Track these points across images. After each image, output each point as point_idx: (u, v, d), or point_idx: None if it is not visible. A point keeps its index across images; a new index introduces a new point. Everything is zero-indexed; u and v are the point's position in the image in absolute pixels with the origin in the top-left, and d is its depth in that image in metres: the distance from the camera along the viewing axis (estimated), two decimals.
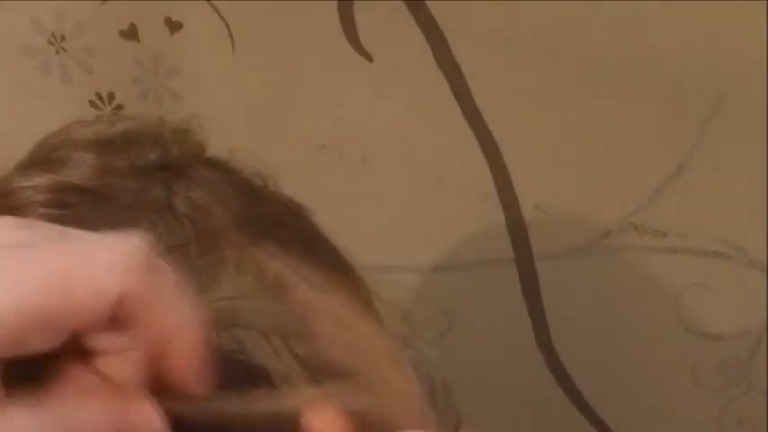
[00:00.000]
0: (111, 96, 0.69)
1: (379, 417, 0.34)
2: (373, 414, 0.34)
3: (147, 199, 0.35)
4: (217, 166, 0.39)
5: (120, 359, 0.26)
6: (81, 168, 0.36)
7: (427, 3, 0.58)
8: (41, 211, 0.34)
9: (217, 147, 0.40)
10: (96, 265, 0.24)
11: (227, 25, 0.63)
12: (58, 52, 0.67)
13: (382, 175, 0.66)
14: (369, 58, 0.62)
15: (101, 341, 0.25)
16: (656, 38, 0.56)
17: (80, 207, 0.34)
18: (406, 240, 0.69)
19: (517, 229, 0.66)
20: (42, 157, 0.37)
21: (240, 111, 0.67)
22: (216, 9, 0.63)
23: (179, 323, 0.26)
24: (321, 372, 0.33)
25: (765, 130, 0.57)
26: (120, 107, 0.69)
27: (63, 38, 0.67)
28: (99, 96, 0.69)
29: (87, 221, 0.33)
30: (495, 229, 0.66)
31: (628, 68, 0.57)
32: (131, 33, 0.66)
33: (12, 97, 0.71)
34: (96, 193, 0.35)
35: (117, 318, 0.25)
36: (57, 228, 0.28)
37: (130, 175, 0.36)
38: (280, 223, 0.38)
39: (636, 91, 0.58)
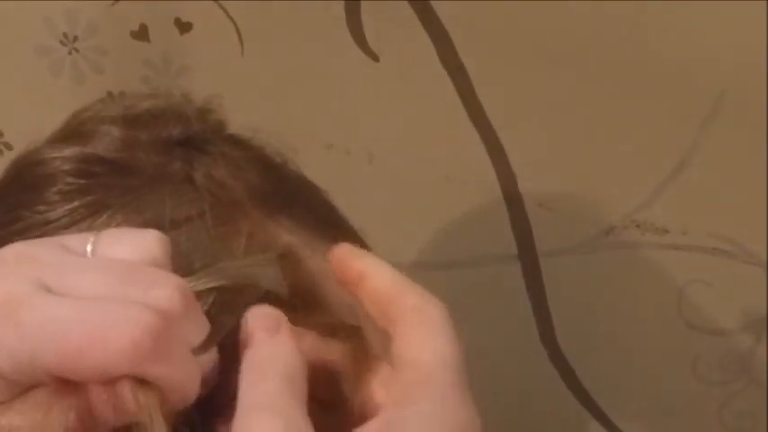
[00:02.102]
0: (122, 96, 0.69)
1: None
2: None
3: (169, 171, 0.37)
4: (238, 142, 0.40)
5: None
6: (106, 141, 0.37)
7: (432, 3, 0.59)
8: (68, 179, 0.36)
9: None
10: (108, 345, 0.26)
11: (235, 26, 0.64)
12: (70, 52, 0.68)
13: (388, 173, 0.67)
14: (375, 58, 0.62)
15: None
16: (657, 38, 0.56)
17: (104, 177, 0.36)
18: (412, 237, 0.69)
19: (521, 226, 0.66)
20: (71, 131, 0.39)
21: (248, 110, 0.67)
22: (225, 10, 0.63)
23: (176, 390, 0.28)
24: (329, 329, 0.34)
25: (765, 129, 0.57)
26: (108, 97, 0.69)
27: (75, 38, 0.67)
28: (110, 96, 0.69)
29: (111, 191, 0.35)
30: (499, 226, 0.66)
31: (630, 68, 0.57)
32: (142, 34, 0.66)
33: (25, 97, 0.71)
34: (120, 164, 0.36)
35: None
36: (76, 260, 0.30)
37: (153, 148, 0.37)
38: (296, 199, 0.39)
39: (637, 90, 0.58)
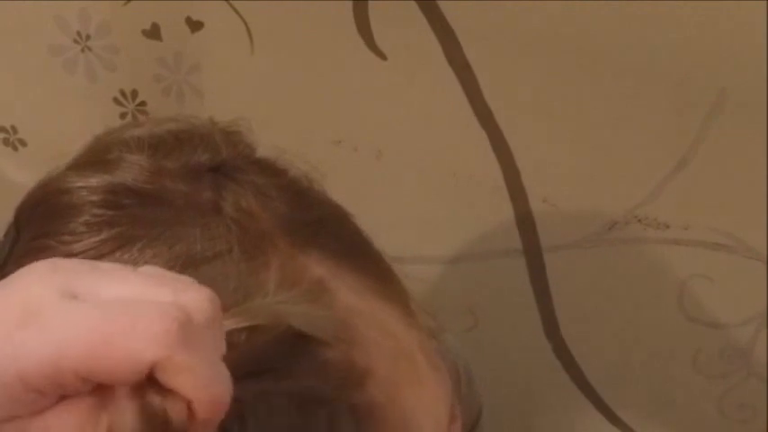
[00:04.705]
0: (135, 93, 0.70)
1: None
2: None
3: (197, 202, 0.35)
4: (265, 168, 0.39)
5: None
6: (133, 170, 0.36)
7: (439, 3, 0.59)
8: (95, 211, 0.35)
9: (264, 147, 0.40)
10: (136, 333, 0.26)
11: (245, 25, 0.64)
12: (83, 51, 0.69)
13: (395, 169, 0.67)
14: (382, 56, 0.62)
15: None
16: (659, 37, 0.56)
17: (132, 208, 0.35)
18: (418, 232, 0.69)
19: (526, 222, 0.66)
20: (96, 158, 0.37)
21: (258, 107, 0.68)
22: (235, 9, 0.64)
23: (206, 389, 0.26)
24: (360, 376, 0.33)
25: (765, 125, 0.57)
26: (143, 104, 0.70)
27: (88, 37, 0.68)
28: (123, 93, 0.70)
29: (139, 223, 0.34)
30: (504, 222, 0.66)
31: (632, 67, 0.58)
32: (154, 32, 0.67)
33: (39, 95, 0.72)
34: (148, 195, 0.35)
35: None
36: (108, 271, 0.29)
37: (181, 176, 0.36)
38: (324, 228, 0.38)
39: (640, 88, 0.58)
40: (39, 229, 0.36)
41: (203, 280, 0.29)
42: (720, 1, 0.54)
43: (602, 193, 0.64)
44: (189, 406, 0.26)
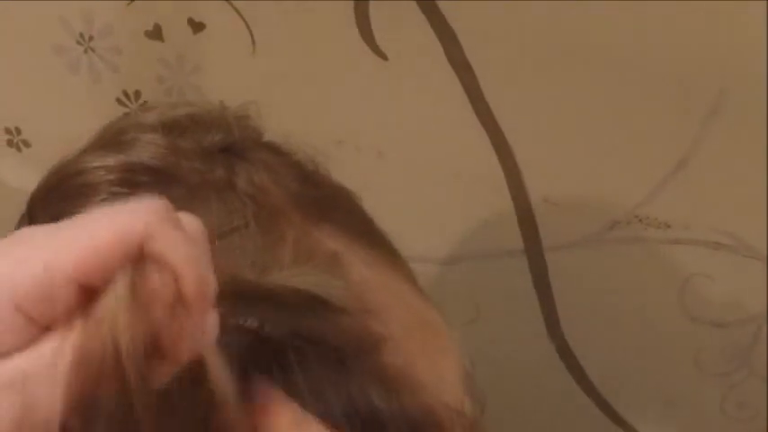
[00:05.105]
0: (138, 94, 0.70)
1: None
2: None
3: (212, 179, 0.36)
4: (274, 149, 0.40)
5: None
6: (149, 149, 0.36)
7: (439, 3, 0.59)
8: (112, 189, 0.35)
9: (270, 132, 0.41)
10: (120, 211, 0.25)
11: (247, 26, 0.64)
12: (86, 52, 0.69)
13: (397, 169, 0.67)
14: (383, 56, 0.62)
15: None
16: (659, 37, 0.56)
17: (148, 186, 0.35)
18: (419, 232, 0.69)
19: (527, 222, 0.67)
20: (111, 139, 0.38)
21: (259, 107, 0.68)
22: (237, 10, 0.64)
23: (194, 262, 0.26)
24: (376, 342, 0.33)
25: (765, 125, 0.57)
26: (145, 105, 0.70)
27: (91, 38, 0.68)
28: (125, 94, 0.70)
29: None
30: (505, 222, 0.67)
31: (632, 67, 0.58)
32: (156, 33, 0.67)
33: (42, 95, 0.72)
34: (164, 173, 0.36)
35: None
36: None
37: (196, 155, 0.37)
38: (334, 205, 0.39)
39: (640, 88, 0.58)
40: (55, 211, 0.36)
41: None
42: (720, 1, 0.54)
43: (603, 192, 0.64)
44: (176, 286, 0.26)
